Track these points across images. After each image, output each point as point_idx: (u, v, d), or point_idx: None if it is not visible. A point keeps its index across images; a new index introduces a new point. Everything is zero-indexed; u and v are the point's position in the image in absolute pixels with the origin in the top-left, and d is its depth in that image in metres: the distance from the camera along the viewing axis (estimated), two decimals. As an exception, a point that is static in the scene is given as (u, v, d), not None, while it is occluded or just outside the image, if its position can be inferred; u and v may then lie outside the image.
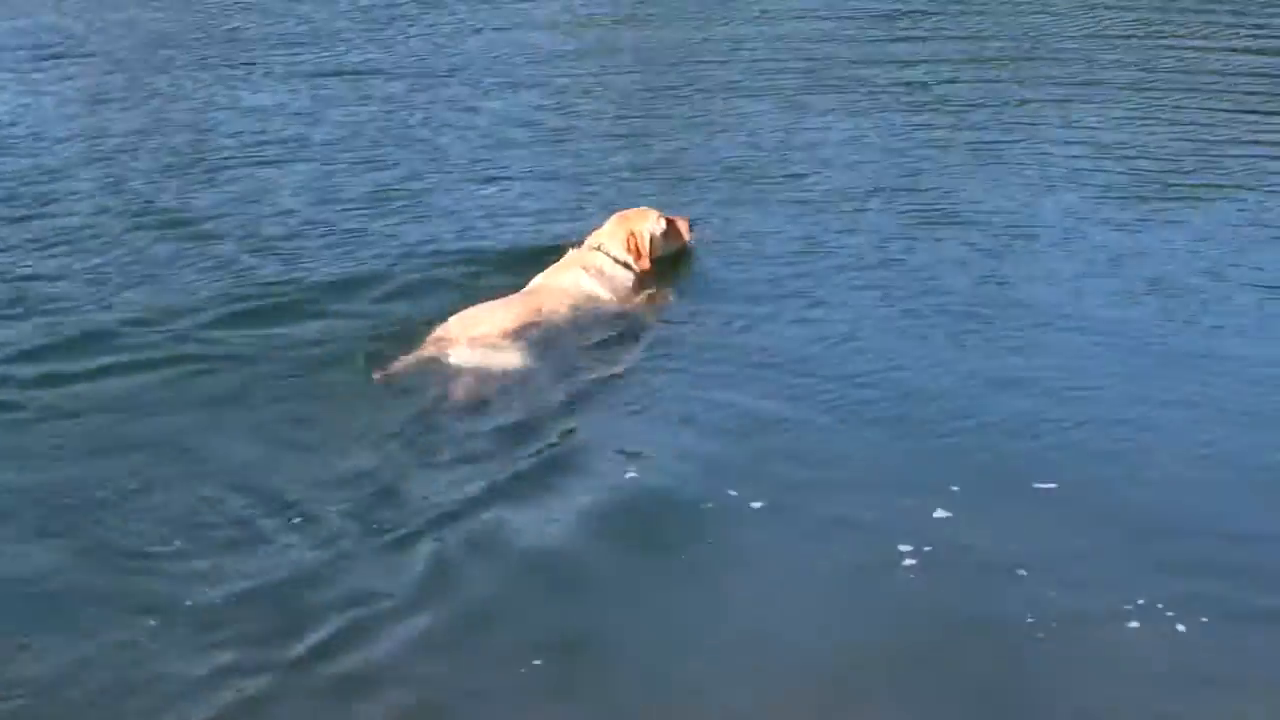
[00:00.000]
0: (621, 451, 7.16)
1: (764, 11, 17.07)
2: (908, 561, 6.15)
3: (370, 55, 15.10)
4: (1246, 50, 14.36)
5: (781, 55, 14.96)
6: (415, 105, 13.15)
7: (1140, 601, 5.90)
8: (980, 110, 12.81)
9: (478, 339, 8.11)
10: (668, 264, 9.24)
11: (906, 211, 10.39)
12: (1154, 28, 15.57)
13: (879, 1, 17.25)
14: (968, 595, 5.97)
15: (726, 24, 16.63)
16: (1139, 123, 12.34)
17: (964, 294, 8.91)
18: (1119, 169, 11.20)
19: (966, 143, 11.92)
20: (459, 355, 8.01)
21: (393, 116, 12.81)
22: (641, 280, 9.04)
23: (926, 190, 10.77)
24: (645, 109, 13.04)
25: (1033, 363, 7.97)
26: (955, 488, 6.67)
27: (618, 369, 8.06)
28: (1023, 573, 6.08)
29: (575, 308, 8.65)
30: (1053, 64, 14.33)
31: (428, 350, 8.03)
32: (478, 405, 7.65)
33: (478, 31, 16.16)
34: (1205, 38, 15.12)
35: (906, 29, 16.00)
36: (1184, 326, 8.51)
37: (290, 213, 10.31)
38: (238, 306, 8.62)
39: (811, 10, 16.95)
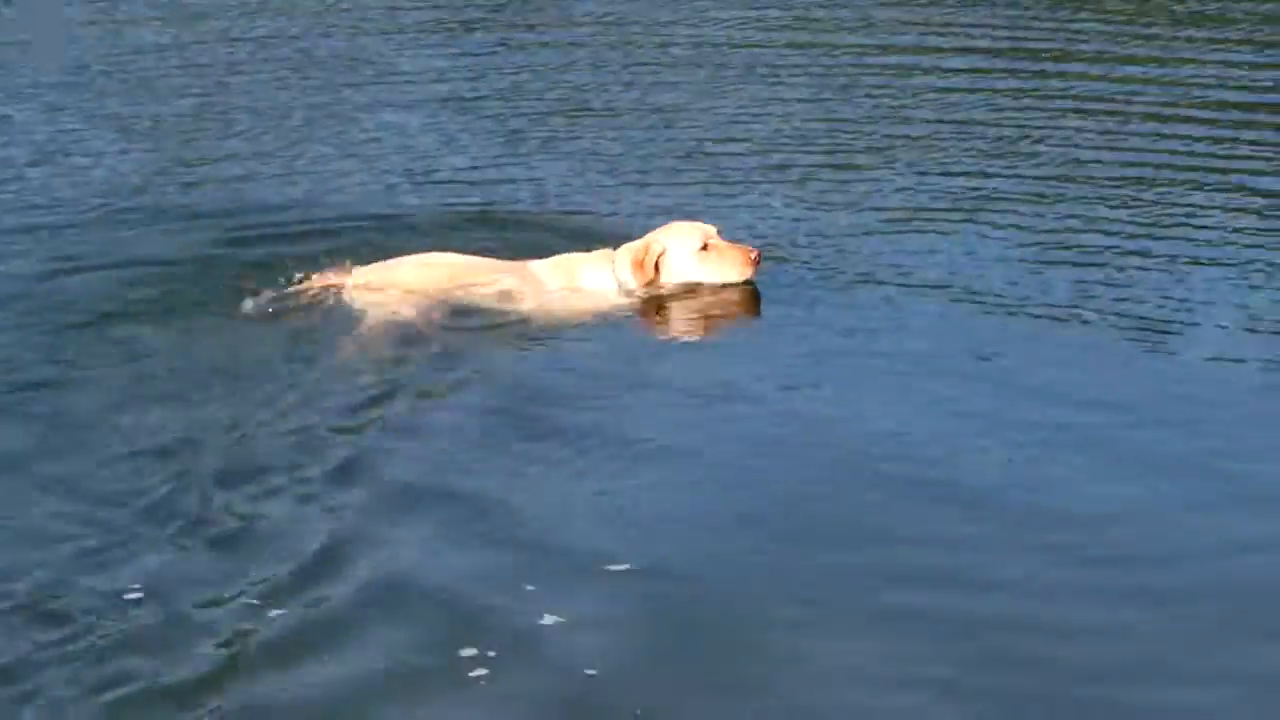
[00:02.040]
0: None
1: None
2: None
3: None
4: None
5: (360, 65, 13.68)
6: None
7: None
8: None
9: (364, 286, 8.30)
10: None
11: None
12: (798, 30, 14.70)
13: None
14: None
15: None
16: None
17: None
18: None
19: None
20: (345, 294, 8.32)
21: None
22: (652, 302, 8.42)
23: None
24: (190, 128, 11.96)
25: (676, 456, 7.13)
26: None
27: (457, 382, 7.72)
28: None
29: (507, 298, 8.34)
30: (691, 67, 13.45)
31: (321, 280, 8.37)
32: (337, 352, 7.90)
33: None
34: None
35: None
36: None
37: None
38: None
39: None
